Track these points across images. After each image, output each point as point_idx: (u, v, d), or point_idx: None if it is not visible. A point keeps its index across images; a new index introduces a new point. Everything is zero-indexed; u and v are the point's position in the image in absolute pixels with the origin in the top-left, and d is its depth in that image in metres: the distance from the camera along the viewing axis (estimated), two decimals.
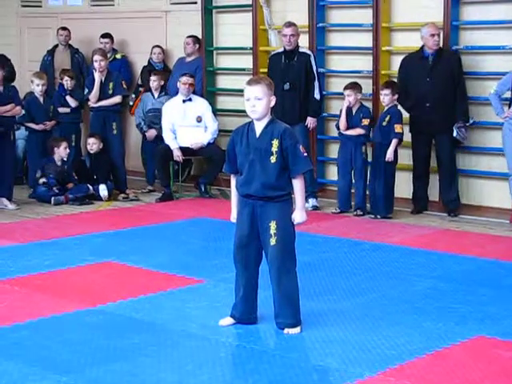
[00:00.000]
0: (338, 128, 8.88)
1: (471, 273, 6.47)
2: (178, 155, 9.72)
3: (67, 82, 10.34)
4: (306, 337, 4.92)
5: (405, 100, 8.75)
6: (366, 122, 8.73)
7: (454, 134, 8.51)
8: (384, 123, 8.51)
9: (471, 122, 8.69)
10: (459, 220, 8.57)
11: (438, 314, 5.36)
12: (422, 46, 8.69)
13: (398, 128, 8.45)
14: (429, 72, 8.61)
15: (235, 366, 4.53)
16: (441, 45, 8.68)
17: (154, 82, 10.42)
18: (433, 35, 8.56)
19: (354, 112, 8.80)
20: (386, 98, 8.54)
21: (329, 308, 5.49)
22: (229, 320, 5.13)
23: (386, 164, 8.47)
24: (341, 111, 8.85)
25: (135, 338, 4.90)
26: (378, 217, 8.52)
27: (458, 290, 5.97)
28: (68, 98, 10.35)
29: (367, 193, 8.76)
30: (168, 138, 9.82)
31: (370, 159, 8.79)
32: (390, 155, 8.42)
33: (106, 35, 11.37)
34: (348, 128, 8.77)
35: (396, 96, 8.54)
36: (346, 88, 8.82)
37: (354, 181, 8.84)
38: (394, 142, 8.43)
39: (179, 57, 11.06)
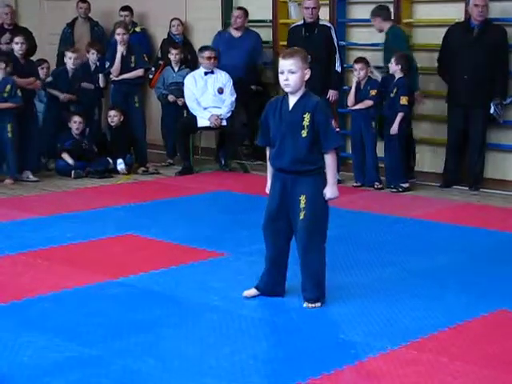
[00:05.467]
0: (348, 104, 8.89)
1: (493, 246, 6.45)
2: (214, 120, 9.58)
3: (93, 55, 10.30)
4: (327, 310, 4.92)
5: (444, 71, 8.65)
6: (373, 92, 8.69)
7: (492, 110, 8.36)
8: (392, 95, 8.45)
9: (508, 100, 8.51)
10: (481, 194, 8.51)
11: (459, 288, 5.35)
12: (469, 17, 8.50)
13: (403, 100, 8.35)
14: (472, 43, 8.41)
15: (257, 340, 4.52)
16: (486, 16, 8.46)
17: (174, 55, 10.28)
18: (476, 5, 8.34)
19: (362, 86, 8.77)
20: (389, 66, 8.48)
21: (351, 281, 5.48)
22: (253, 291, 5.12)
23: (394, 136, 8.41)
24: (351, 87, 8.82)
25: (157, 310, 4.92)
26: (400, 190, 8.48)
27: (479, 263, 5.97)
28: (101, 76, 10.23)
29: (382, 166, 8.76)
30: (196, 110, 9.70)
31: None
32: (394, 128, 8.36)
33: (125, 8, 11.31)
34: (357, 102, 8.73)
35: (399, 66, 8.37)
36: (356, 62, 8.77)
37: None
38: (400, 115, 8.35)
39: (219, 31, 10.63)
